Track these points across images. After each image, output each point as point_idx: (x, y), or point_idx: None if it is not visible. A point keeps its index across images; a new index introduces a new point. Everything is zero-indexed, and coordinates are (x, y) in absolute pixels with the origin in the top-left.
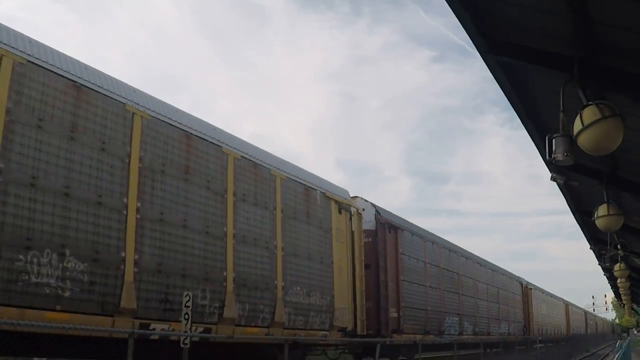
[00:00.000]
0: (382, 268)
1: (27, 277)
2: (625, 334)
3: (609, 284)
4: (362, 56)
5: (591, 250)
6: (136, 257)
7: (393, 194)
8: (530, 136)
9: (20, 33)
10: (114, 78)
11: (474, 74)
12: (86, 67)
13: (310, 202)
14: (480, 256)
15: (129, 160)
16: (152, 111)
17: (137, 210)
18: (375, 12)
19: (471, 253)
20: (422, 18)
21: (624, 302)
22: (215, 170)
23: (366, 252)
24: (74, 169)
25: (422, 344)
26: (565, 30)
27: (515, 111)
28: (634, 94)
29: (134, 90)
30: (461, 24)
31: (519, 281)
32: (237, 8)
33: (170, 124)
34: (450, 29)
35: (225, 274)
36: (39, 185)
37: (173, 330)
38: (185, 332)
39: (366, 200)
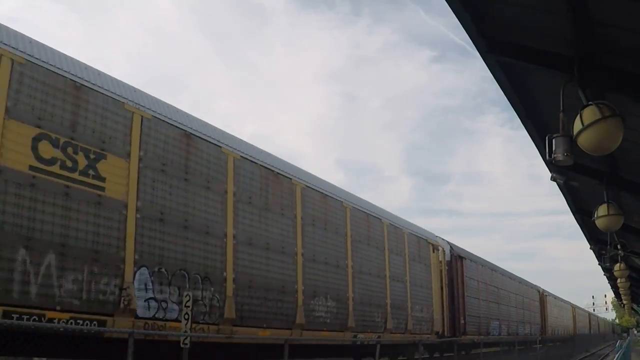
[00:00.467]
0: (455, 288)
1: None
2: (625, 334)
3: (609, 284)
4: (362, 56)
5: (591, 250)
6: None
7: (393, 194)
8: (530, 136)
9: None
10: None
11: (474, 74)
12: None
13: (421, 247)
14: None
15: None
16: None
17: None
18: (375, 12)
19: (504, 269)
20: (422, 18)
21: (624, 302)
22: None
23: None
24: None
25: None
26: (565, 30)
27: (515, 111)
28: (634, 94)
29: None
30: (461, 24)
31: (537, 289)
32: (237, 8)
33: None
34: (451, 29)
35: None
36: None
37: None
38: (185, 332)
39: (443, 239)
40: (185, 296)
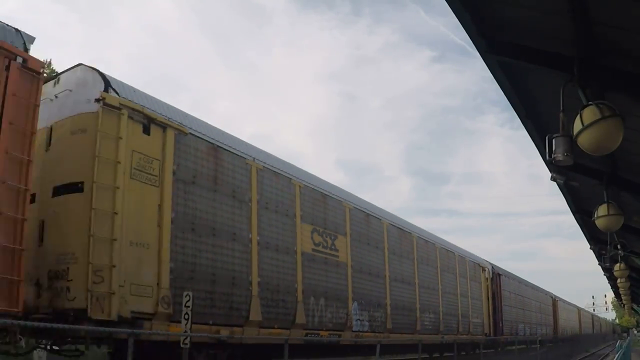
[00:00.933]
0: (495, 299)
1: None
2: (625, 334)
3: (609, 284)
4: (362, 56)
5: (591, 250)
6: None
7: (393, 194)
8: (530, 136)
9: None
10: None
11: (474, 74)
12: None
13: (476, 270)
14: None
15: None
16: (263, 162)
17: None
18: (375, 12)
19: (527, 281)
20: (423, 18)
21: (624, 302)
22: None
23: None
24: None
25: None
26: (565, 30)
27: (515, 111)
28: (634, 94)
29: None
30: (461, 24)
31: (550, 295)
32: (237, 9)
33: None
34: (451, 29)
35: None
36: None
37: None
38: (185, 332)
39: (487, 261)
40: (186, 296)
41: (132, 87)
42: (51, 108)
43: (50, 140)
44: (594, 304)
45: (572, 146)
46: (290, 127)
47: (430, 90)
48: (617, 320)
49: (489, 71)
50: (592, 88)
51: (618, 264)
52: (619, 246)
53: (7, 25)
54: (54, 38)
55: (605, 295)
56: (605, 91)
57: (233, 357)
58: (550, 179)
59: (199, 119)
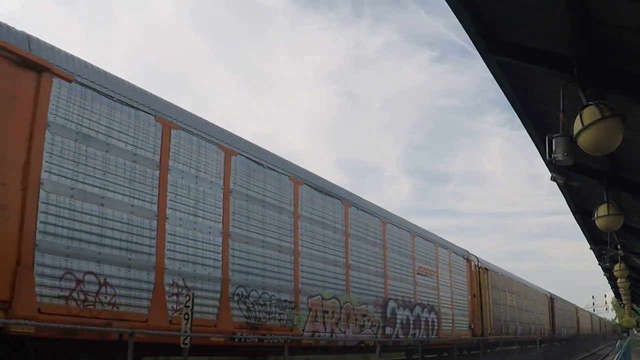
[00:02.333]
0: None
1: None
2: (625, 334)
3: (609, 284)
4: (363, 56)
5: (591, 250)
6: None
7: (394, 194)
8: (530, 136)
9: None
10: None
11: (474, 75)
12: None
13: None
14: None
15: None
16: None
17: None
18: (376, 12)
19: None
20: (423, 18)
21: (624, 302)
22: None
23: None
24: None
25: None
26: (565, 30)
27: (515, 111)
28: (634, 94)
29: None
30: (461, 24)
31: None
32: (238, 9)
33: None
34: (451, 29)
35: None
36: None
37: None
38: (185, 332)
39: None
40: (186, 296)
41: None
42: None
43: None
44: (594, 304)
45: (572, 146)
46: (290, 126)
47: (430, 91)
48: (617, 320)
49: (489, 71)
50: (592, 88)
51: (618, 264)
52: (619, 246)
53: None
54: (57, 38)
55: (605, 295)
56: (605, 91)
57: None
58: (550, 179)
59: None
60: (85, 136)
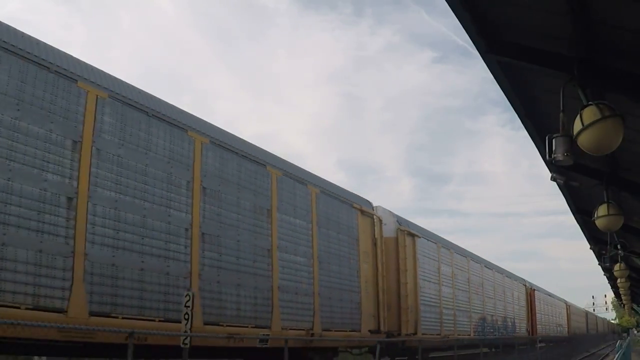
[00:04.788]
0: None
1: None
2: (625, 334)
3: (609, 284)
4: (364, 57)
5: (591, 250)
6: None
7: (394, 194)
8: (530, 136)
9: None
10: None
11: (476, 75)
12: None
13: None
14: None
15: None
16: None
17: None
18: (377, 13)
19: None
20: (425, 19)
21: (624, 302)
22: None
23: None
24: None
25: None
26: (565, 30)
27: (515, 111)
28: (634, 94)
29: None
30: (461, 24)
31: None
32: (239, 10)
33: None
34: (453, 30)
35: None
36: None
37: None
38: (185, 332)
39: (389, 210)
40: (186, 296)
41: None
42: None
43: None
44: (594, 304)
45: (572, 146)
46: (291, 127)
47: (431, 91)
48: (616, 320)
49: (489, 71)
50: (592, 88)
51: (618, 264)
52: (619, 246)
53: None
54: (58, 38)
55: (605, 295)
56: (605, 91)
57: None
58: (550, 179)
59: None
60: None
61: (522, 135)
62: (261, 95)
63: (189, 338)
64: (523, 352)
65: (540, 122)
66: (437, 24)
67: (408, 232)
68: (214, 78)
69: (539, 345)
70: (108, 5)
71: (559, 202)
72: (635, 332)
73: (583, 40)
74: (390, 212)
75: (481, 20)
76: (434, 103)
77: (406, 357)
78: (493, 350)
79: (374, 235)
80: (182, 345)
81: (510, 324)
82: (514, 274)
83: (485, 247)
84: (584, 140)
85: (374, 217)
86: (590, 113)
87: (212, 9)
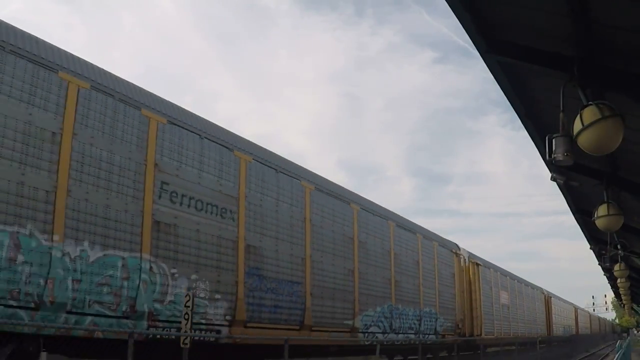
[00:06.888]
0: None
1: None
2: (625, 334)
3: (609, 284)
4: (364, 57)
5: (591, 250)
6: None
7: (395, 194)
8: (531, 136)
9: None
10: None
11: (476, 75)
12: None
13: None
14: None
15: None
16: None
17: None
18: (378, 13)
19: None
20: (425, 19)
21: (624, 302)
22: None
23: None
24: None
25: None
26: (565, 30)
27: (515, 111)
28: (634, 94)
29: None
30: (461, 24)
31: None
32: (241, 11)
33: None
34: (453, 30)
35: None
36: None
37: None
38: (185, 332)
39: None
40: (186, 296)
41: None
42: None
43: None
44: (594, 304)
45: (572, 146)
46: (292, 127)
47: (432, 91)
48: (616, 320)
49: (489, 72)
50: (592, 88)
51: (618, 264)
52: (619, 246)
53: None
54: (59, 38)
55: (605, 295)
56: (605, 91)
57: None
58: (550, 179)
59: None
60: None
61: (523, 136)
62: (262, 96)
63: (189, 338)
64: (522, 353)
65: (540, 122)
66: (438, 24)
67: (476, 262)
68: (214, 78)
69: (539, 345)
70: (108, 5)
71: (559, 202)
72: (636, 332)
73: (583, 40)
74: (464, 249)
75: (481, 21)
76: (434, 103)
77: (471, 352)
78: (525, 346)
79: (460, 267)
80: (182, 345)
81: (533, 325)
82: (535, 285)
83: (486, 247)
84: (584, 140)
85: (461, 256)
86: (590, 113)
87: (214, 10)
